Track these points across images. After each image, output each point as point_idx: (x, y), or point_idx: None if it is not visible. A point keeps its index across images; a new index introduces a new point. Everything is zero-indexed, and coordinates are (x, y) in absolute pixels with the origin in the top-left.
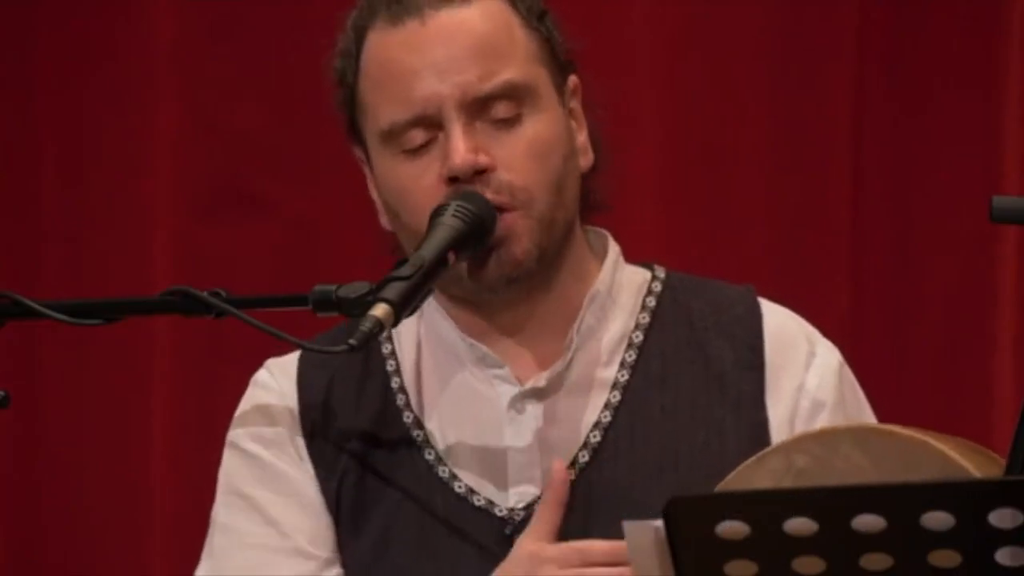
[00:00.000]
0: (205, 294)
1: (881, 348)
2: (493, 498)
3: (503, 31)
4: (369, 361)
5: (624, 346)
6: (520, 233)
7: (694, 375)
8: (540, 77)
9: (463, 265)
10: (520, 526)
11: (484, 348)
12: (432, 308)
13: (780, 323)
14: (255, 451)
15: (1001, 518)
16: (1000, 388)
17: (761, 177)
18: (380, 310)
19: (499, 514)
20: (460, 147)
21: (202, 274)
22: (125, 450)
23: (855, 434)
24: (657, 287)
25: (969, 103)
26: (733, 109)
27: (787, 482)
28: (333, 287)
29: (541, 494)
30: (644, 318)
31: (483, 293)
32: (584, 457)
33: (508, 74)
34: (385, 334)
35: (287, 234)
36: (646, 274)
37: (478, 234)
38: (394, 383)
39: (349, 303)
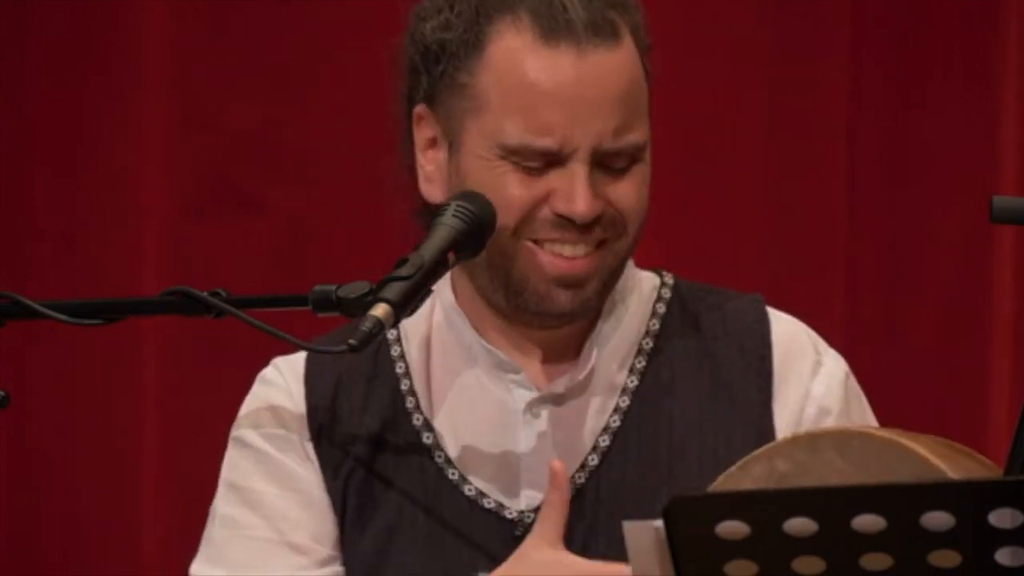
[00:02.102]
0: (205, 294)
1: (878, 346)
2: (503, 501)
3: (638, 84)
4: (378, 362)
5: (634, 352)
6: (592, 277)
7: (702, 382)
8: (649, 129)
9: (548, 289)
10: (530, 528)
11: (501, 353)
12: (448, 307)
13: (788, 332)
14: (261, 446)
15: (1001, 518)
16: (997, 387)
17: (757, 174)
18: (380, 310)
19: (509, 517)
20: (586, 196)
21: (194, 273)
22: (120, 450)
23: (836, 438)
24: (667, 293)
25: (966, 99)
26: (728, 106)
27: (771, 487)
28: (333, 287)
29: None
30: (654, 325)
31: (535, 320)
32: (593, 460)
33: (637, 135)
34: (394, 335)
35: (281, 233)
36: (655, 280)
37: (478, 234)
38: (403, 385)
39: (349, 303)
